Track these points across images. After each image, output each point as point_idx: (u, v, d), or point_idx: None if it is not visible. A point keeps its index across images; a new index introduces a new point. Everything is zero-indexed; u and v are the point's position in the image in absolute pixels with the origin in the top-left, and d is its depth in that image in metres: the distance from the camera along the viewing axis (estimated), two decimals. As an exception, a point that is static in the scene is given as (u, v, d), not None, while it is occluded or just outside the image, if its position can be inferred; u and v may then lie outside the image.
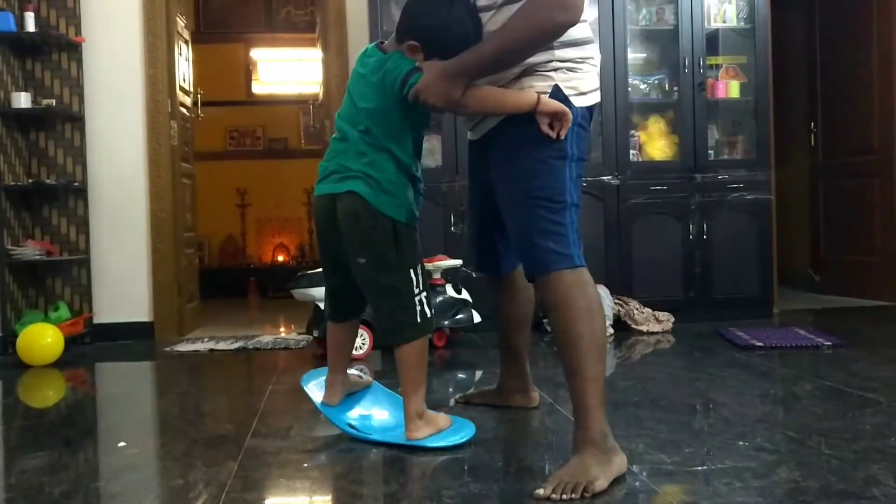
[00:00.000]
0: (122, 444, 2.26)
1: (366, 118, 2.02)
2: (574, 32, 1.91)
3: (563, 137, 1.85)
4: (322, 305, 3.57)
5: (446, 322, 3.63)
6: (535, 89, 1.88)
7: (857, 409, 2.38)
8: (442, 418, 2.13)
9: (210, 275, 6.64)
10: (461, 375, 3.22)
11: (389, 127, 2.01)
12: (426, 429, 2.07)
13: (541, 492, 1.66)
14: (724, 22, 4.57)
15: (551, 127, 1.85)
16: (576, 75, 1.92)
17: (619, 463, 1.78)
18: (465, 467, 1.92)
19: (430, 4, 1.96)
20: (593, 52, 1.98)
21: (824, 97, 5.58)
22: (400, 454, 2.02)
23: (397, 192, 2.03)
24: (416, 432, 2.06)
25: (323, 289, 3.51)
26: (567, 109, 1.85)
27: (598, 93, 1.99)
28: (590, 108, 1.96)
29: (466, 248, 2.39)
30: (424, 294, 2.06)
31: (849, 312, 4.81)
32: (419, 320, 2.04)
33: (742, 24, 4.57)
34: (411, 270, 2.04)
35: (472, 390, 2.70)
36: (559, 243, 1.85)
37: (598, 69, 2.01)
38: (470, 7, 1.93)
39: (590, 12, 2.03)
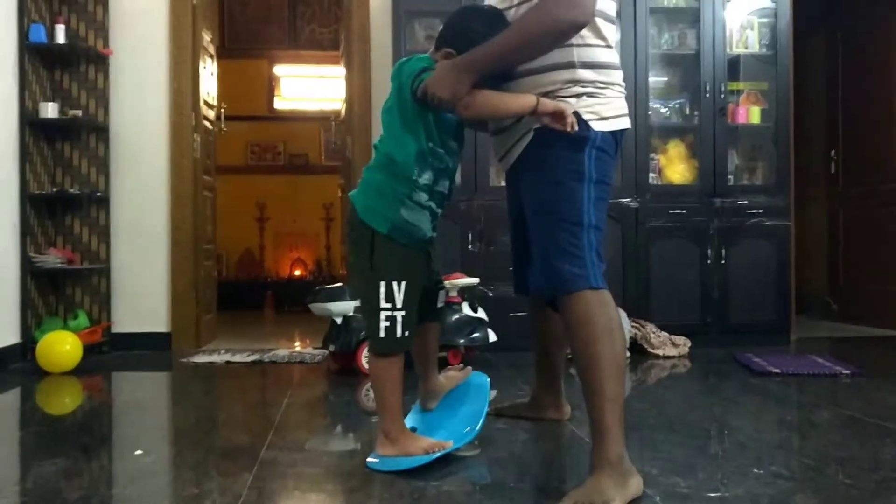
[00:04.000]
0: (138, 451, 2.27)
1: (383, 122, 2.08)
2: (599, 55, 1.94)
3: (576, 129, 1.86)
4: (339, 320, 3.59)
5: (462, 340, 3.63)
6: None
7: (876, 439, 2.35)
8: (415, 444, 2.07)
9: (227, 288, 6.68)
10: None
11: (392, 130, 2.03)
12: (390, 448, 2.07)
13: (555, 511, 1.66)
14: (745, 48, 4.58)
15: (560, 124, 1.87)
16: (597, 101, 1.94)
17: (635, 485, 1.77)
18: (480, 485, 1.91)
19: (472, 19, 2.00)
20: (618, 78, 2.00)
21: (845, 124, 5.57)
22: (411, 469, 2.02)
23: (382, 202, 2.03)
24: (379, 449, 2.09)
25: (340, 303, 3.57)
26: (564, 106, 1.86)
27: (626, 119, 2.01)
28: (614, 134, 1.97)
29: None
30: (397, 313, 2.02)
31: (867, 342, 4.77)
32: (382, 335, 2.02)
33: (764, 50, 4.58)
34: (382, 284, 2.02)
35: (504, 403, 2.71)
36: (575, 264, 1.86)
37: (623, 96, 2.02)
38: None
39: (614, 37, 2.04)
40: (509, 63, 1.92)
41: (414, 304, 2.06)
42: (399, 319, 2.02)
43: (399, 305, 2.02)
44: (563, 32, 1.84)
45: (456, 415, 2.26)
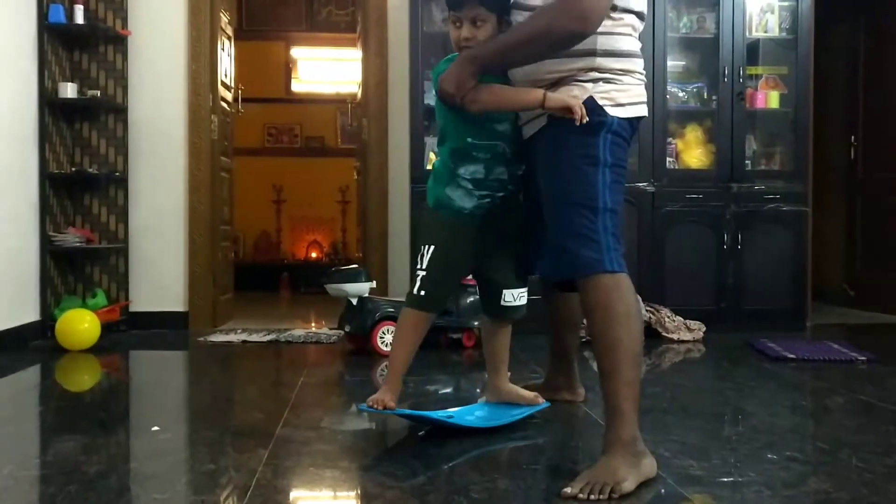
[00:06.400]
0: (155, 428, 2.30)
1: None
2: (622, 44, 1.93)
3: (586, 121, 1.86)
4: (354, 301, 3.61)
5: (476, 322, 3.63)
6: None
7: (891, 424, 2.35)
8: (390, 396, 2.16)
9: (244, 269, 6.71)
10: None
11: (442, 123, 2.17)
12: (377, 395, 2.16)
13: (568, 490, 1.66)
14: (765, 32, 4.54)
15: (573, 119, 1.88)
16: (614, 87, 1.92)
17: (648, 466, 1.78)
18: (493, 464, 1.93)
19: None
20: (638, 65, 1.99)
21: (866, 110, 5.51)
22: (426, 448, 2.04)
23: (435, 181, 2.19)
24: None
25: (355, 284, 3.60)
26: (572, 102, 1.86)
27: (643, 107, 2.00)
28: (630, 120, 1.96)
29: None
30: (420, 272, 2.16)
31: (884, 329, 4.74)
32: (413, 291, 2.17)
33: (784, 34, 4.53)
34: (423, 247, 2.17)
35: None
36: (591, 248, 1.86)
37: (642, 83, 2.01)
38: None
39: (640, 24, 2.03)
40: (515, 61, 1.95)
41: (442, 270, 2.16)
42: (419, 277, 2.16)
43: (423, 266, 2.16)
44: (568, 42, 1.85)
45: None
